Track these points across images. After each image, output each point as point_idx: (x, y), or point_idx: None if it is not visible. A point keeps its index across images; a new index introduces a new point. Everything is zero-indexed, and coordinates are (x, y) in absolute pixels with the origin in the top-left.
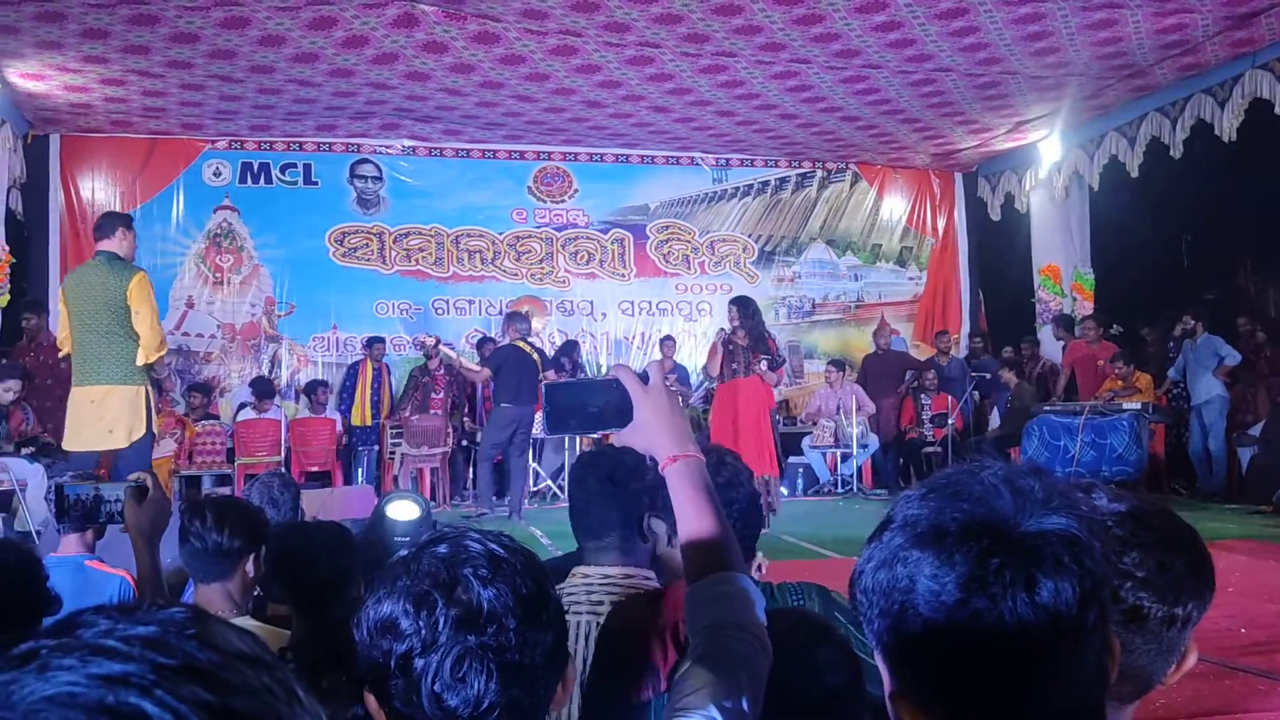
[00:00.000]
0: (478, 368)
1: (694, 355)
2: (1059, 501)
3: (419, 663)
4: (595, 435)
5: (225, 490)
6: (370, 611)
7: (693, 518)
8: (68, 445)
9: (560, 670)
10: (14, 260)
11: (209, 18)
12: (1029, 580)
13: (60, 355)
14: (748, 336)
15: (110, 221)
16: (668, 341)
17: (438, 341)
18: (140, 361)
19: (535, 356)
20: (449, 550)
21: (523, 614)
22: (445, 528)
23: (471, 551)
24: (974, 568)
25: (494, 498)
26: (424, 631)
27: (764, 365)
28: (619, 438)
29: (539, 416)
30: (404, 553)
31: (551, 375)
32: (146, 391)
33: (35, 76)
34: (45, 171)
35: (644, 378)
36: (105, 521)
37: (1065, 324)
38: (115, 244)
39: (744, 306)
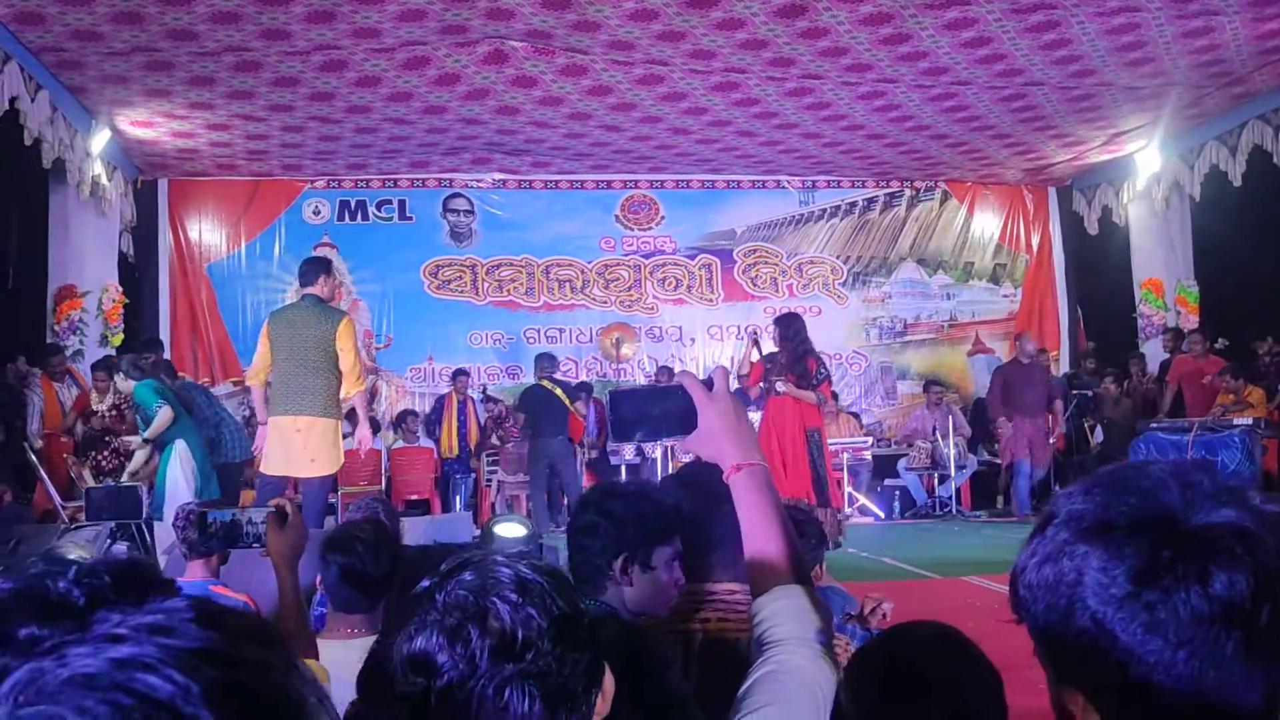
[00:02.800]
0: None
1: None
2: (1228, 496)
3: (460, 695)
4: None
5: (329, 519)
6: (404, 647)
7: (760, 528)
8: (268, 469)
9: (599, 684)
10: (127, 301)
11: (309, 61)
12: (1202, 573)
13: (253, 387)
14: (787, 356)
15: (314, 268)
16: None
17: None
18: (344, 394)
19: (559, 392)
20: (476, 577)
21: (557, 635)
22: (472, 553)
23: (500, 576)
24: (1145, 560)
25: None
26: (461, 665)
27: (781, 385)
28: (683, 445)
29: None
30: (428, 582)
31: (580, 406)
32: (339, 426)
33: (144, 124)
34: (154, 215)
35: (708, 384)
36: (247, 545)
37: (1176, 336)
38: (319, 289)
39: (784, 326)
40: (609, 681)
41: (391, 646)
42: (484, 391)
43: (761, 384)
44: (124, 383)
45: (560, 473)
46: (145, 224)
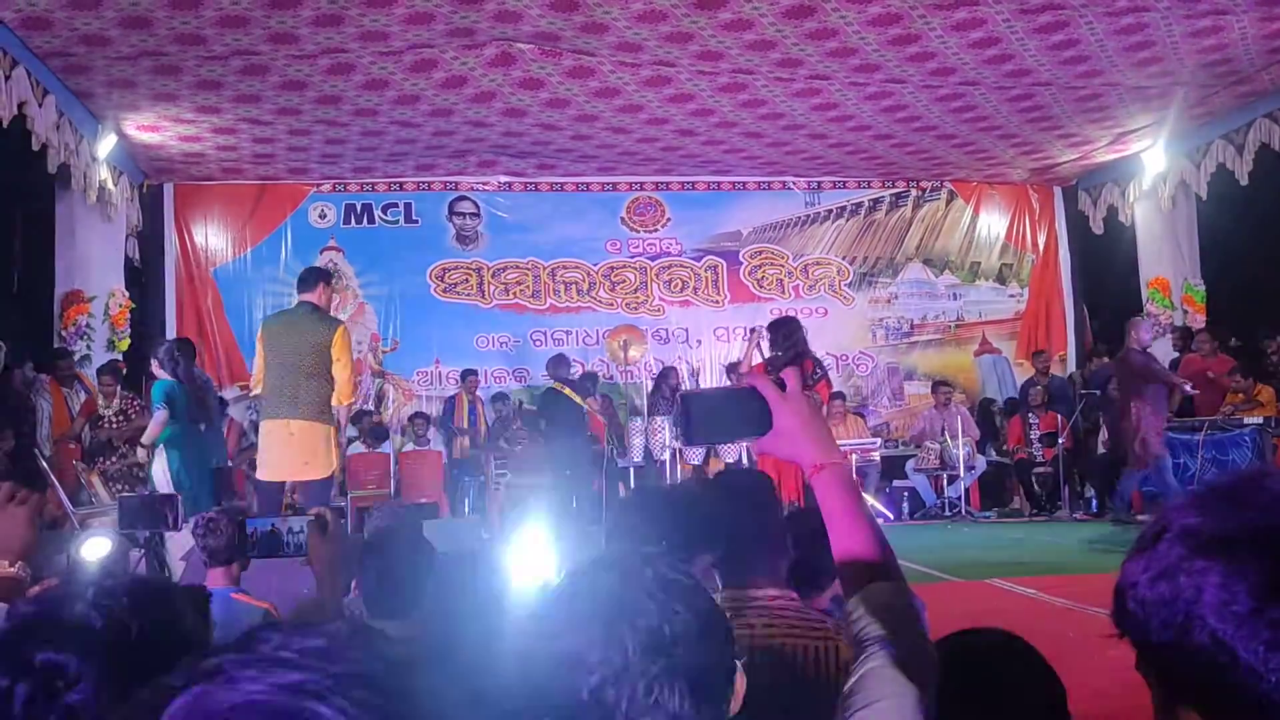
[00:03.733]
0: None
1: None
2: None
3: (611, 693)
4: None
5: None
6: (550, 646)
7: (847, 527)
8: (264, 476)
9: (734, 683)
10: (134, 305)
11: (316, 65)
12: None
13: (251, 394)
14: (783, 359)
15: (313, 276)
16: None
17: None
18: (336, 403)
19: (569, 392)
20: (620, 575)
21: (701, 631)
22: (608, 552)
23: (644, 573)
24: (1268, 577)
25: None
26: (615, 660)
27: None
28: (759, 446)
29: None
30: (566, 581)
31: (594, 403)
32: (335, 432)
33: (151, 128)
34: (160, 219)
35: (780, 384)
36: (293, 553)
37: (1185, 336)
38: (316, 296)
39: (777, 331)
40: (740, 680)
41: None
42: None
43: (793, 367)
44: (157, 370)
45: (577, 474)
46: (151, 228)
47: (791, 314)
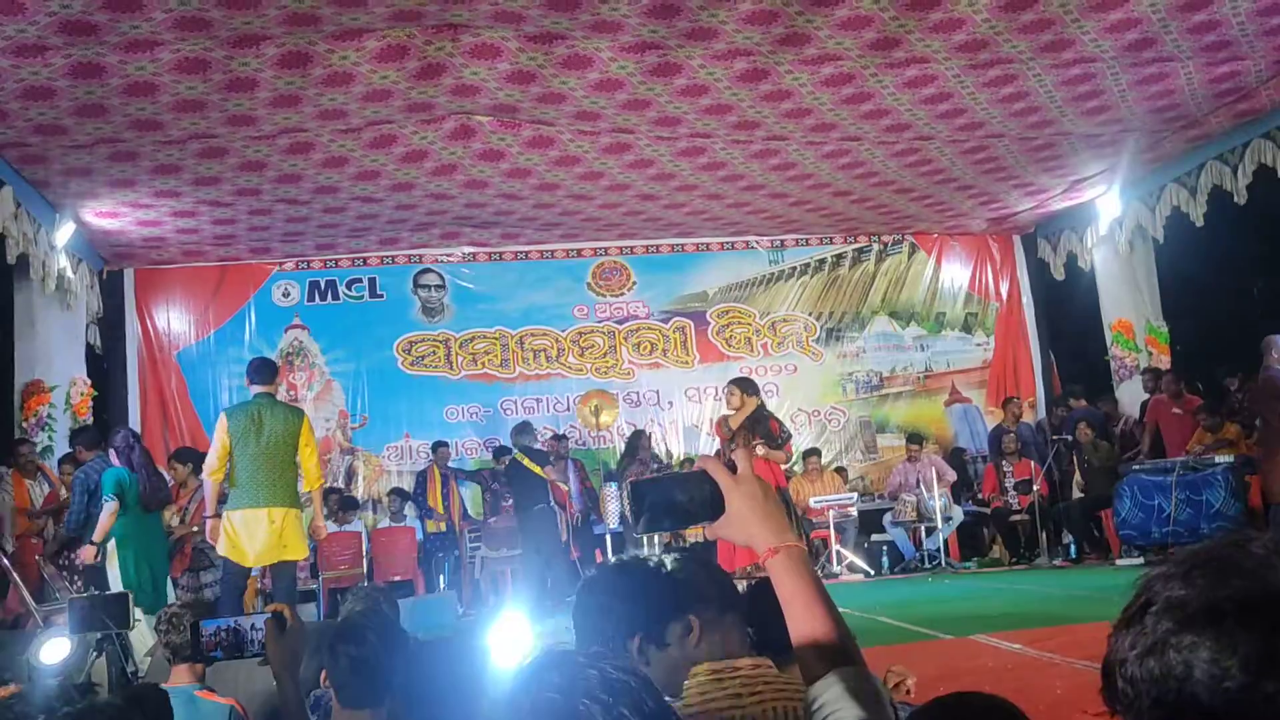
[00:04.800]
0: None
1: None
2: None
3: None
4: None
5: (309, 605)
6: None
7: (804, 611)
8: (239, 560)
9: None
10: (96, 393)
11: (275, 145)
12: None
13: (210, 481)
14: (745, 420)
15: (270, 368)
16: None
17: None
18: (306, 488)
19: (528, 463)
20: (563, 679)
21: None
22: (552, 651)
23: (588, 677)
24: (1260, 648)
25: None
26: None
27: (760, 449)
28: (711, 530)
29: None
30: (512, 684)
31: (551, 471)
32: (302, 515)
33: (109, 214)
34: (121, 304)
35: (731, 467)
36: (258, 650)
37: (1155, 376)
38: (273, 388)
39: (745, 386)
40: None
41: None
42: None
43: (732, 446)
44: (114, 458)
45: (540, 547)
46: (112, 314)
47: (746, 375)
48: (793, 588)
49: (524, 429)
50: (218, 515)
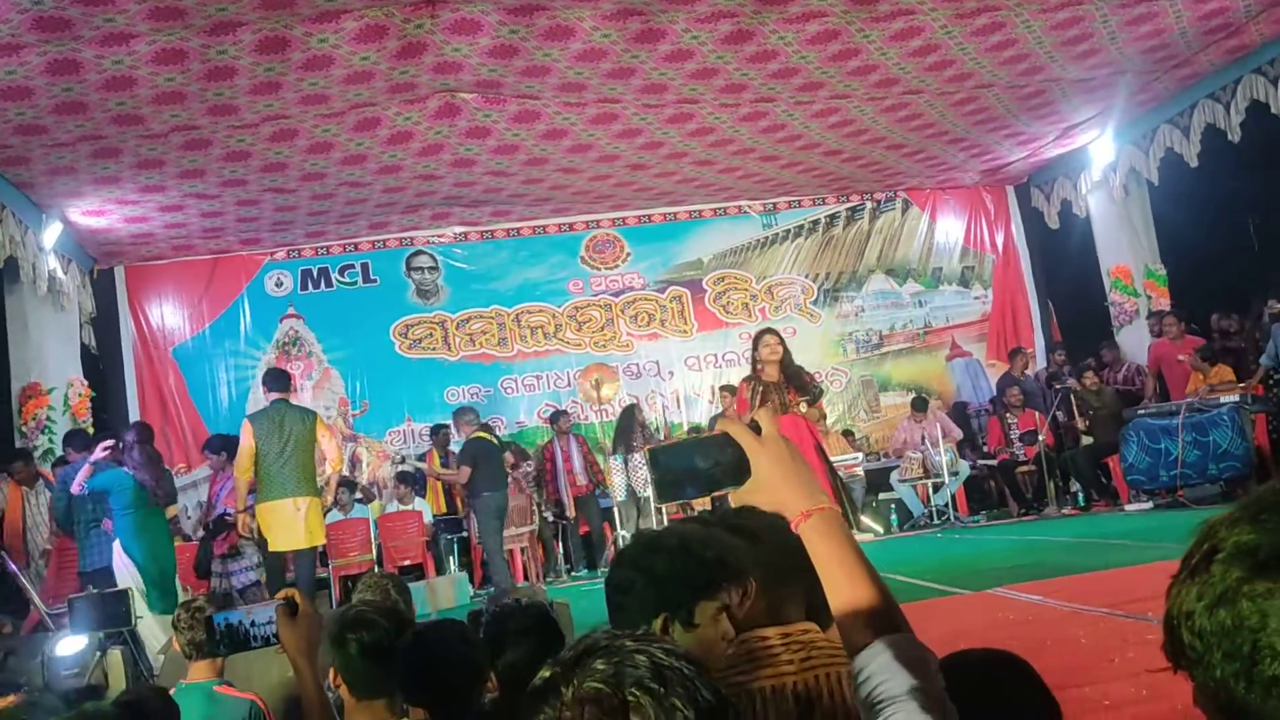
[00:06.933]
0: (455, 470)
1: None
2: None
3: None
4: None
5: (322, 593)
6: None
7: (843, 577)
8: (275, 547)
9: None
10: (94, 393)
11: (258, 133)
12: None
13: (241, 480)
14: (780, 372)
15: (285, 377)
16: (726, 392)
17: (402, 460)
18: (332, 470)
19: (496, 441)
20: (610, 666)
21: None
22: (596, 636)
23: (636, 662)
24: None
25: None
26: None
27: (803, 406)
28: (737, 497)
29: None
30: (548, 673)
31: (510, 456)
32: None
33: (96, 213)
34: (114, 303)
35: (755, 428)
36: (261, 645)
37: (1158, 319)
38: (289, 394)
39: (780, 336)
40: None
41: None
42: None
43: (766, 406)
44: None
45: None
46: (105, 313)
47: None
48: (830, 552)
49: (471, 410)
50: (247, 510)
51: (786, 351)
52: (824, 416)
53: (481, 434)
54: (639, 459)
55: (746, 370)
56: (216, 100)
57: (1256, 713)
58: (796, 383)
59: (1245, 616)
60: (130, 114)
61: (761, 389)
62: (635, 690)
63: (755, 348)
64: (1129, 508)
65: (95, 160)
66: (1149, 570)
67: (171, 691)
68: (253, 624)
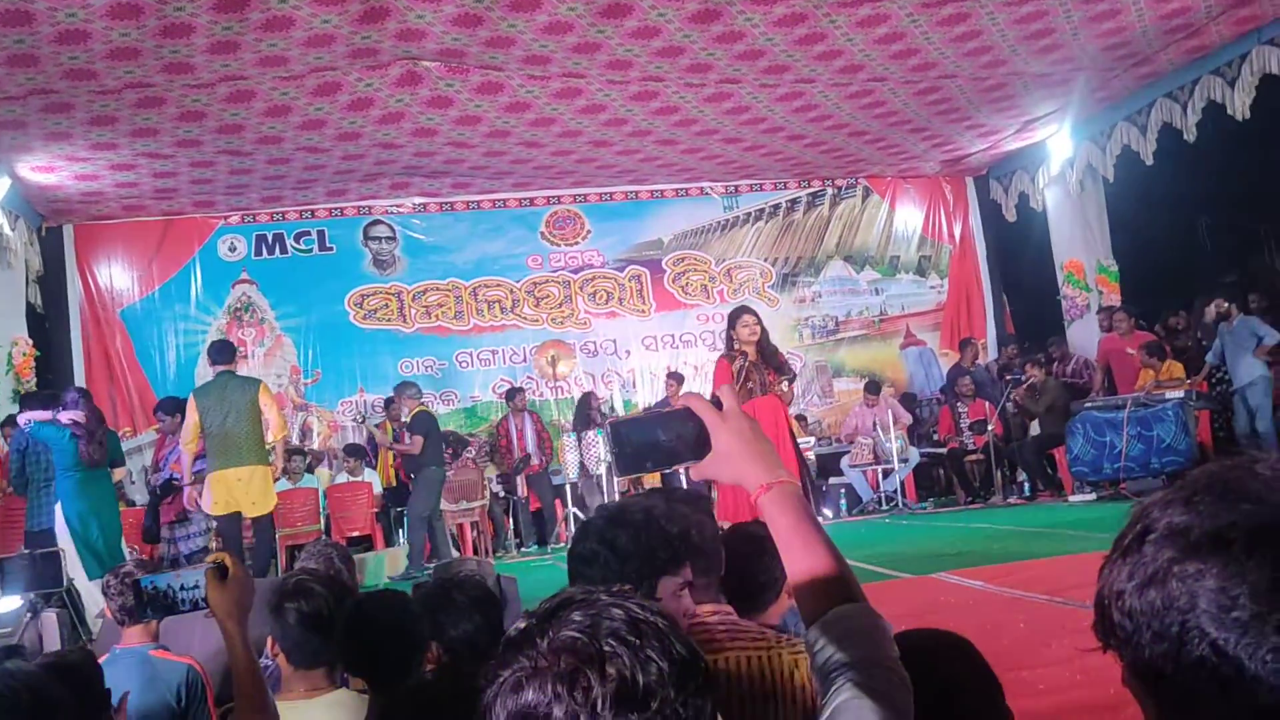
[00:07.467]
0: (407, 442)
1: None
2: None
3: None
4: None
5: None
6: (507, 701)
7: (802, 548)
8: (217, 511)
9: None
10: (39, 353)
11: (214, 94)
12: None
13: (187, 452)
14: (760, 352)
15: (229, 349)
16: (673, 379)
17: (363, 420)
18: (274, 438)
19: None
20: (587, 617)
21: (680, 679)
22: (572, 590)
23: (613, 615)
24: (1271, 576)
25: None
26: (581, 717)
27: (784, 385)
28: (698, 470)
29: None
30: (524, 624)
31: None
32: (269, 469)
33: (46, 169)
34: (62, 262)
35: (716, 403)
36: (189, 609)
37: (1109, 314)
38: (234, 366)
39: (758, 315)
40: None
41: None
42: (365, 424)
43: (748, 384)
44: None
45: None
46: (53, 272)
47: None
48: (788, 524)
49: (414, 384)
50: (196, 481)
51: (764, 331)
52: (793, 397)
53: (425, 407)
54: (592, 436)
55: (702, 351)
56: (173, 58)
57: (1184, 693)
58: (774, 363)
59: (1175, 597)
60: (83, 68)
61: (743, 367)
62: (611, 640)
63: (732, 326)
64: (1073, 498)
65: (46, 115)
66: (1088, 559)
67: (104, 657)
68: (181, 587)
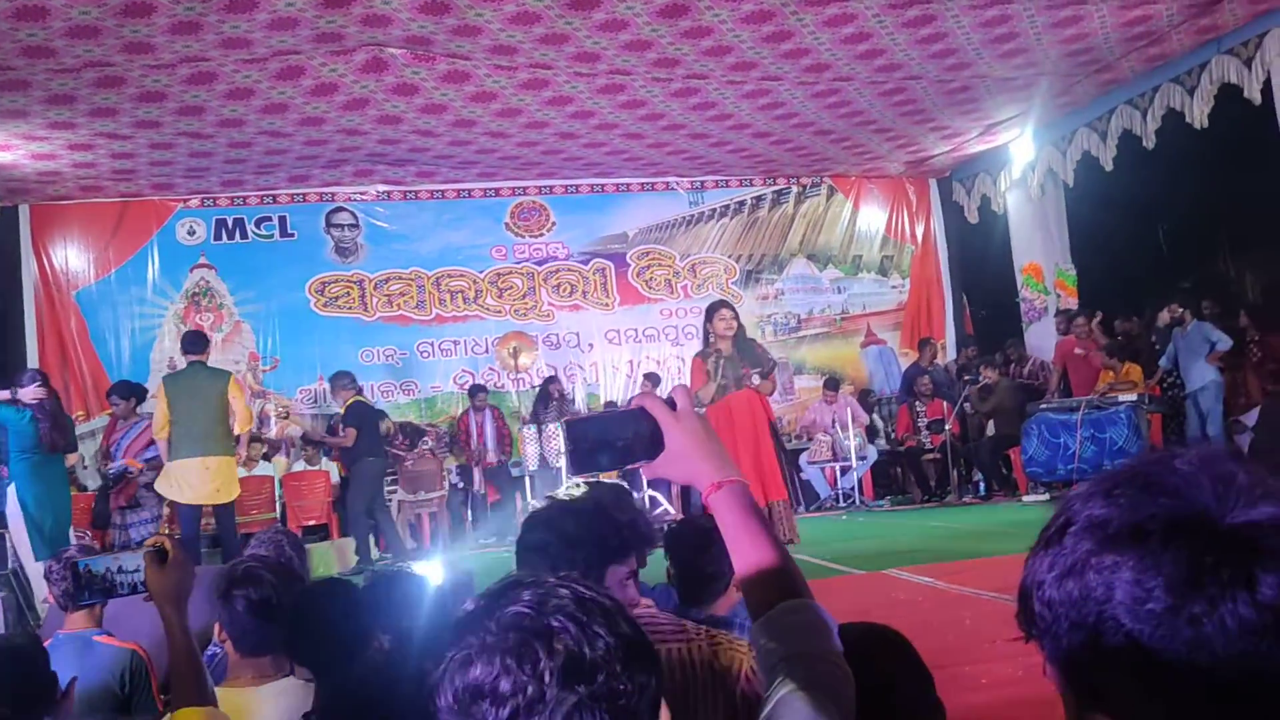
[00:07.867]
0: (340, 433)
1: (682, 382)
2: (1263, 489)
3: None
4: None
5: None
6: (455, 678)
7: (749, 546)
8: (183, 499)
9: (657, 713)
10: None
11: (175, 74)
12: (1249, 578)
13: (160, 440)
14: (734, 346)
15: (202, 340)
16: (648, 380)
17: (288, 414)
18: (239, 430)
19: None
20: (534, 596)
21: (626, 656)
22: (520, 573)
23: (560, 594)
24: (1185, 568)
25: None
26: (529, 689)
27: (756, 379)
28: (651, 469)
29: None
30: (473, 605)
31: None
32: (234, 460)
33: (1, 147)
34: (16, 242)
35: (670, 403)
36: (128, 593)
37: (1068, 319)
38: (205, 357)
39: (735, 310)
40: (665, 711)
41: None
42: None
43: (721, 380)
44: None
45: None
46: (7, 253)
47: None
48: (736, 521)
49: (349, 375)
50: (154, 468)
51: (740, 326)
52: (775, 388)
53: (361, 399)
54: (553, 429)
55: (665, 346)
56: (133, 37)
57: (1101, 683)
58: (750, 357)
59: (1092, 588)
60: (41, 46)
61: (723, 363)
62: (559, 616)
63: (709, 320)
64: (1026, 499)
65: (1, 92)
66: None
67: (48, 642)
68: (119, 570)
